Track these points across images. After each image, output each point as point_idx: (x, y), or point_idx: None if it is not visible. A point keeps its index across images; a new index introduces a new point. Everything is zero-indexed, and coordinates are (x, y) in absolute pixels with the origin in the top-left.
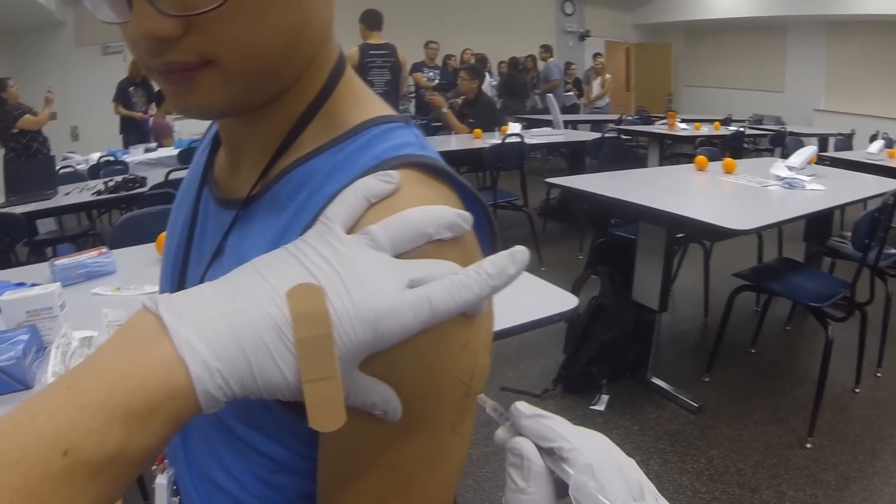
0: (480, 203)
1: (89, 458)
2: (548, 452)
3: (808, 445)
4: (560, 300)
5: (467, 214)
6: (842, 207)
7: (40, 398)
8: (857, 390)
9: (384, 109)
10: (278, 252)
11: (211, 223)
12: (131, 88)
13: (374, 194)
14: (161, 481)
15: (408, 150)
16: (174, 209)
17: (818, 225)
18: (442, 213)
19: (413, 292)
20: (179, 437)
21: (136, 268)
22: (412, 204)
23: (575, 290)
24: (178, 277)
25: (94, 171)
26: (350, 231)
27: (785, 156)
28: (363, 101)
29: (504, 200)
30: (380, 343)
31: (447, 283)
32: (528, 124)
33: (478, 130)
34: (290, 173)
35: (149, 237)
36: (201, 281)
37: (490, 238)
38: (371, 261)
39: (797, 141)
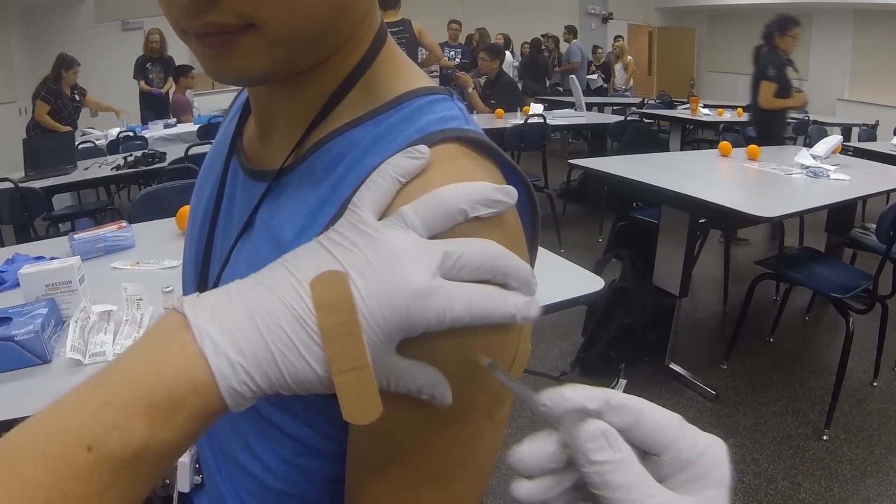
0: (524, 181)
1: (112, 454)
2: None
3: (825, 437)
4: (584, 282)
5: (510, 188)
6: (864, 199)
7: (69, 396)
8: (874, 384)
9: (426, 81)
10: (307, 244)
11: (240, 195)
12: (148, 64)
13: (403, 173)
14: (183, 459)
15: (453, 124)
16: (199, 180)
17: (841, 215)
18: (478, 188)
19: (453, 286)
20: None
21: (156, 242)
22: (454, 179)
23: (596, 273)
24: (203, 251)
25: (114, 147)
26: (386, 213)
27: (807, 144)
28: (404, 72)
29: None
30: (413, 327)
31: (490, 290)
32: (550, 105)
33: (499, 110)
34: (328, 144)
35: (168, 212)
36: (229, 255)
37: (531, 218)
38: (400, 242)
39: (820, 130)
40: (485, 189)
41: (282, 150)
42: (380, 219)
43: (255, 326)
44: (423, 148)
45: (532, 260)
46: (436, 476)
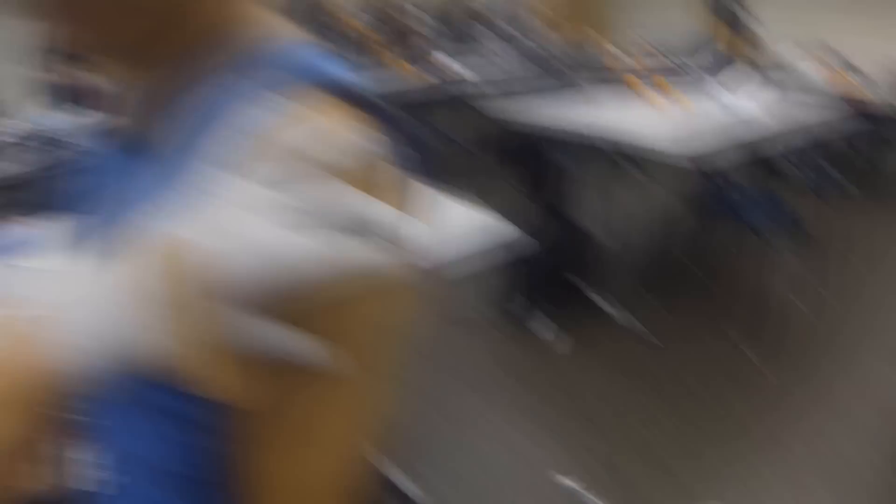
0: (398, 123)
1: None
2: None
3: (766, 371)
4: (501, 231)
5: (374, 135)
6: (784, 132)
7: None
8: (804, 310)
9: (285, 29)
10: (157, 211)
11: (116, 174)
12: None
13: (260, 127)
14: (74, 456)
15: (315, 71)
16: (82, 169)
17: (761, 149)
18: (337, 138)
19: (307, 240)
20: (91, 409)
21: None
22: (316, 130)
23: (515, 221)
24: (84, 236)
25: None
26: (242, 169)
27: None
28: (261, 23)
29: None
30: (271, 289)
31: (345, 241)
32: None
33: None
34: (190, 109)
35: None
36: (107, 237)
37: (415, 168)
38: (254, 201)
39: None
40: (344, 139)
41: (150, 123)
42: (236, 176)
43: (104, 306)
44: (280, 101)
45: (415, 210)
46: (319, 440)
